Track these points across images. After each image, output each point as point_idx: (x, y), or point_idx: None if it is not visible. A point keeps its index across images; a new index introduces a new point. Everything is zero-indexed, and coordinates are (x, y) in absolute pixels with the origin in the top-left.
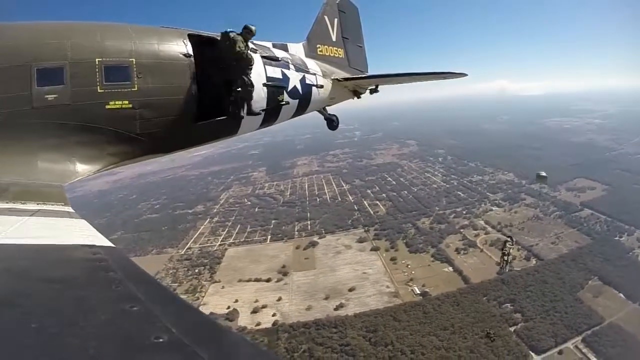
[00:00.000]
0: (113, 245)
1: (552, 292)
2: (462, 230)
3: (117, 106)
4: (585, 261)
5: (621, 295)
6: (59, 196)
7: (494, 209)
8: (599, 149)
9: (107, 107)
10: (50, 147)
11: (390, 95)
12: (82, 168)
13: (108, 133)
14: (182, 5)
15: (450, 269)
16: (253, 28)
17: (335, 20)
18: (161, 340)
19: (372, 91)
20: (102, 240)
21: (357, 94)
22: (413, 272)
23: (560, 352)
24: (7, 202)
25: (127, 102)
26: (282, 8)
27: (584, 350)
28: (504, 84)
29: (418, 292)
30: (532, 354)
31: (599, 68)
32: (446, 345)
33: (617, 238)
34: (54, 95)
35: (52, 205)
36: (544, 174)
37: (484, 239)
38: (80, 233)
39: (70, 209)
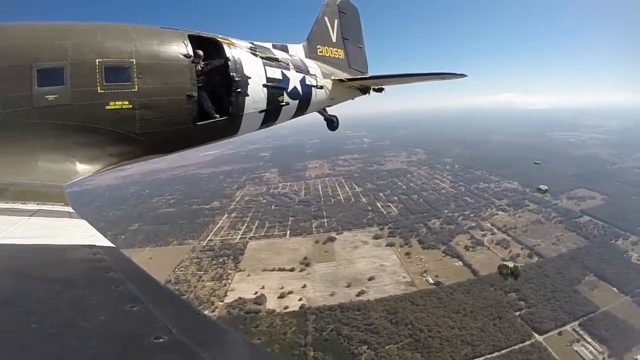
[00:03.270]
0: (113, 246)
1: (553, 284)
2: (470, 230)
3: (117, 106)
4: (583, 260)
5: (615, 289)
6: (59, 196)
7: (499, 213)
8: (601, 162)
9: (107, 107)
10: (51, 147)
11: (395, 104)
12: (82, 168)
13: (108, 133)
14: (182, 6)
15: (460, 263)
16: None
17: (336, 21)
18: (161, 340)
19: (379, 90)
20: (102, 241)
21: (365, 91)
22: (426, 265)
23: (559, 334)
24: (7, 202)
25: (127, 102)
26: (282, 9)
27: (581, 332)
28: (510, 97)
29: (432, 281)
30: (535, 334)
31: (606, 84)
32: (459, 325)
33: (613, 241)
34: (54, 96)
35: (52, 205)
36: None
37: (490, 239)
38: (80, 233)
39: (70, 209)
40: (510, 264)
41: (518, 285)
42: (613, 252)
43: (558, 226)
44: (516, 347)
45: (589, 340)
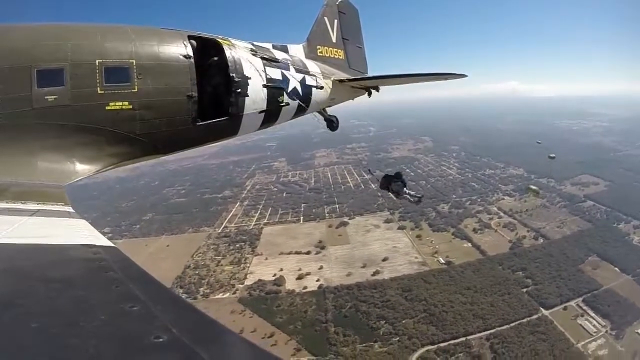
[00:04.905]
0: (113, 245)
1: (557, 263)
2: (477, 214)
3: (117, 107)
4: (586, 242)
5: (616, 268)
6: (59, 196)
7: (505, 198)
8: (605, 149)
9: (107, 108)
10: (51, 147)
11: (399, 93)
12: (82, 168)
13: (108, 134)
14: (182, 5)
15: (469, 244)
16: None
17: (335, 21)
18: (161, 340)
19: (369, 94)
20: (102, 240)
21: (368, 91)
22: (437, 246)
23: (564, 309)
24: (7, 202)
25: (127, 103)
26: (282, 9)
27: (585, 307)
28: (515, 85)
29: (443, 261)
30: (542, 308)
31: (611, 72)
32: (470, 301)
33: (615, 225)
34: (54, 97)
35: (52, 205)
36: (535, 188)
37: (497, 222)
38: (80, 233)
39: (70, 209)
40: (534, 187)
41: (525, 264)
42: (615, 235)
43: (562, 210)
44: (524, 320)
45: (593, 315)
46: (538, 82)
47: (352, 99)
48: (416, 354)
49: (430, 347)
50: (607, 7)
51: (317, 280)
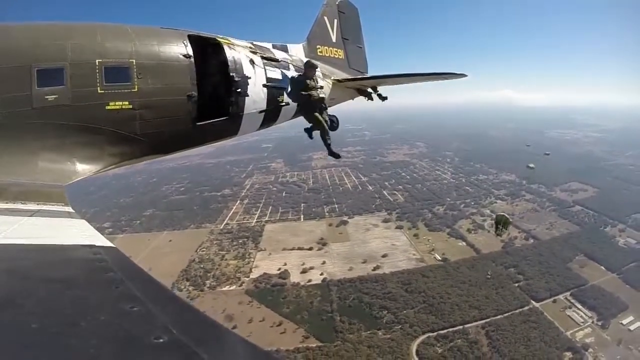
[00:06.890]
0: (113, 246)
1: (547, 261)
2: (471, 216)
3: (117, 107)
4: (574, 242)
5: (602, 267)
6: (59, 196)
7: (498, 201)
8: (595, 158)
9: (107, 107)
10: (50, 147)
11: (392, 99)
12: (82, 168)
13: (108, 134)
14: (182, 5)
15: (464, 243)
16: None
17: (335, 21)
18: (161, 340)
19: (382, 98)
20: (102, 240)
21: (365, 93)
22: (433, 244)
23: (554, 301)
24: (7, 202)
25: (127, 102)
26: (282, 9)
27: (572, 301)
28: (509, 94)
29: (439, 258)
30: (532, 301)
31: (604, 84)
32: (466, 293)
33: (602, 228)
34: (54, 96)
35: (52, 205)
36: (532, 165)
37: (490, 223)
38: (80, 233)
39: (70, 209)
40: (531, 165)
41: (517, 261)
42: (602, 237)
43: (552, 214)
44: (516, 311)
45: (580, 307)
46: (533, 91)
47: (352, 99)
48: (418, 340)
49: (430, 334)
50: (604, 17)
51: (321, 274)
